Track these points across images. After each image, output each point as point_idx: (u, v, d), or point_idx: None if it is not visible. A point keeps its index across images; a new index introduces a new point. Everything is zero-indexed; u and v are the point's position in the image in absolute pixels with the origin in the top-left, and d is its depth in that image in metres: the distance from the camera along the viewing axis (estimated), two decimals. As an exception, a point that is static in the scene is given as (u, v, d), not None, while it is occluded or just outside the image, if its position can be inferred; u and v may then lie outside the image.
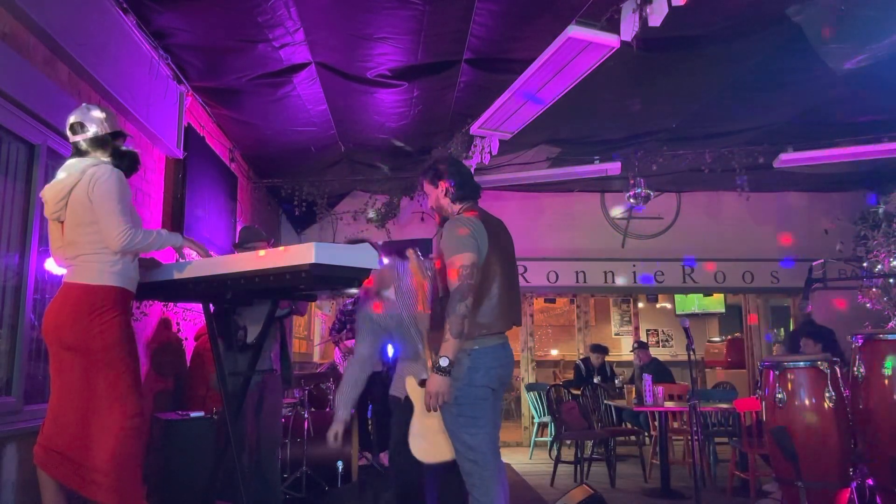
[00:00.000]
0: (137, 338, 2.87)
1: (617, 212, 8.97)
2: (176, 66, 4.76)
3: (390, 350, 5.27)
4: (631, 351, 9.63)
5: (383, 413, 5.78)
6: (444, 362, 2.61)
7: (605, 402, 6.95)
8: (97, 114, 2.84)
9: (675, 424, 6.55)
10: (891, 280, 7.37)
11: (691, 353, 4.19)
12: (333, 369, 6.25)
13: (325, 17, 4.27)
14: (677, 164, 7.17)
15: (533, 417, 8.28)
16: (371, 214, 8.11)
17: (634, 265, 9.06)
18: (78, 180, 2.70)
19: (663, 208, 9.07)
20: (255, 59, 4.71)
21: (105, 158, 2.81)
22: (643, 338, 11.81)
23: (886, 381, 3.60)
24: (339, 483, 4.77)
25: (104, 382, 2.63)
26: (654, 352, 9.48)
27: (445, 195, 2.95)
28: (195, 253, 3.07)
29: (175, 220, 4.95)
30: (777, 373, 3.92)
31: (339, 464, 4.77)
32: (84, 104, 2.91)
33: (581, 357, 8.85)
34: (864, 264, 7.94)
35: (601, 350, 8.47)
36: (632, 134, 6.56)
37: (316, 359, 9.35)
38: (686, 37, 4.56)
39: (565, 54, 4.15)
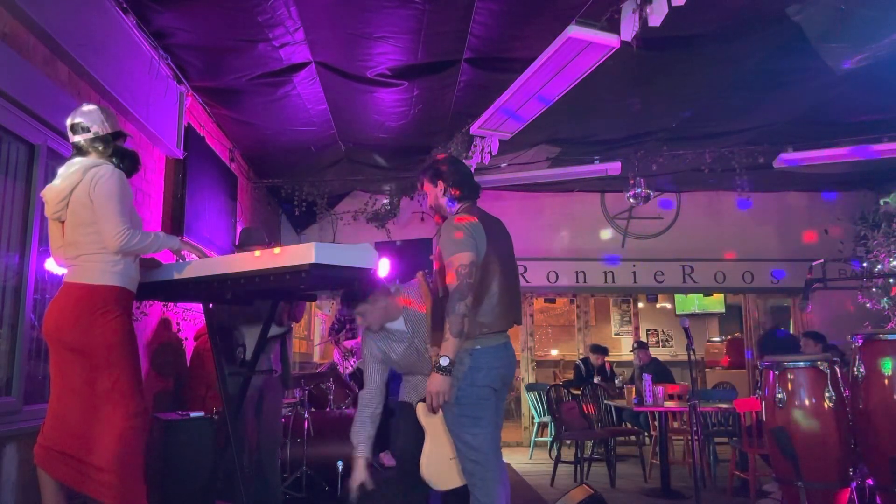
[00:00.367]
0: (137, 338, 2.87)
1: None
2: (176, 65, 4.76)
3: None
4: (631, 351, 9.63)
5: (383, 413, 5.77)
6: (444, 362, 2.61)
7: (605, 402, 6.95)
8: (98, 114, 2.84)
9: (675, 424, 6.55)
10: (891, 280, 7.37)
11: (691, 353, 4.19)
12: (333, 369, 6.25)
13: (325, 17, 4.27)
14: (677, 164, 7.17)
15: (533, 417, 8.28)
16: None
17: (635, 265, 9.07)
18: (79, 180, 2.70)
19: (663, 208, 9.07)
20: (255, 59, 4.71)
21: (106, 159, 2.81)
22: (643, 338, 11.81)
23: (886, 381, 3.60)
24: (340, 483, 4.76)
25: (105, 382, 2.63)
26: (654, 352, 9.49)
27: (444, 195, 2.95)
28: (194, 255, 3.07)
29: (175, 220, 4.95)
30: (777, 373, 3.92)
31: (339, 464, 4.77)
32: (84, 104, 2.91)
33: (581, 357, 8.85)
34: (864, 264, 7.94)
35: (601, 351, 8.47)
36: (632, 134, 6.56)
37: (316, 359, 9.34)
38: (686, 36, 4.56)
39: (565, 54, 4.15)
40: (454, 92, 5.37)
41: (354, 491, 2.98)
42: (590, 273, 9.03)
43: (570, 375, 9.88)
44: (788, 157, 6.68)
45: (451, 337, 2.60)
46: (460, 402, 2.69)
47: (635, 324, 11.42)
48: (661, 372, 7.68)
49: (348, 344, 6.17)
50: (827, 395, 3.73)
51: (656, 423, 5.90)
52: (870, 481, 3.72)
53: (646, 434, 7.24)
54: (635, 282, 9.08)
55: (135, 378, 2.71)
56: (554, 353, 12.44)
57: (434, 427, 2.79)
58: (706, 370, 10.68)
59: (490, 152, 5.96)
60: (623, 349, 11.88)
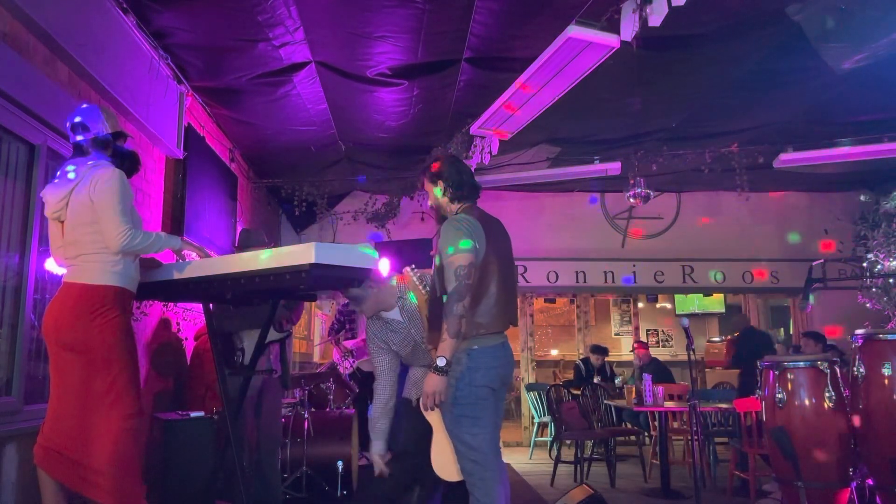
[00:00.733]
0: (137, 338, 2.87)
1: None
2: (176, 65, 4.76)
3: None
4: (631, 351, 9.63)
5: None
6: (441, 362, 2.61)
7: (605, 402, 6.95)
8: (98, 114, 2.84)
9: (675, 424, 6.55)
10: (891, 280, 7.37)
11: (691, 353, 4.19)
12: (333, 369, 6.25)
13: (325, 16, 4.27)
14: (677, 164, 7.17)
15: (533, 417, 8.28)
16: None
17: (635, 265, 9.07)
18: (79, 180, 2.70)
19: (663, 208, 9.07)
20: (255, 59, 4.71)
21: (106, 159, 2.81)
22: (643, 338, 11.81)
23: (886, 381, 3.60)
24: (340, 483, 4.76)
25: (103, 382, 2.63)
26: (654, 352, 9.49)
27: (444, 194, 2.95)
28: (194, 254, 3.07)
29: (175, 220, 4.95)
30: (777, 373, 3.92)
31: (339, 464, 4.77)
32: (85, 104, 2.91)
33: (581, 357, 8.85)
34: (864, 264, 7.95)
35: (601, 351, 8.47)
36: (632, 134, 6.56)
37: (316, 359, 9.34)
38: (686, 36, 4.56)
39: (565, 54, 4.15)
40: (454, 91, 5.37)
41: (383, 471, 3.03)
42: (590, 273, 9.03)
43: (570, 375, 9.88)
44: (788, 157, 6.68)
45: (449, 338, 2.60)
46: (459, 403, 2.69)
47: (635, 324, 11.42)
48: (661, 372, 7.68)
49: (348, 344, 6.17)
50: (827, 395, 3.73)
51: (656, 423, 5.90)
52: (870, 481, 3.72)
53: (646, 434, 7.24)
54: (635, 282, 9.08)
55: (132, 379, 2.70)
56: (554, 353, 12.44)
57: (439, 420, 2.79)
58: (706, 370, 10.69)
59: (490, 152, 5.96)
60: (623, 349, 11.87)
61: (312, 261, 2.52)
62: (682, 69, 5.12)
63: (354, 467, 5.06)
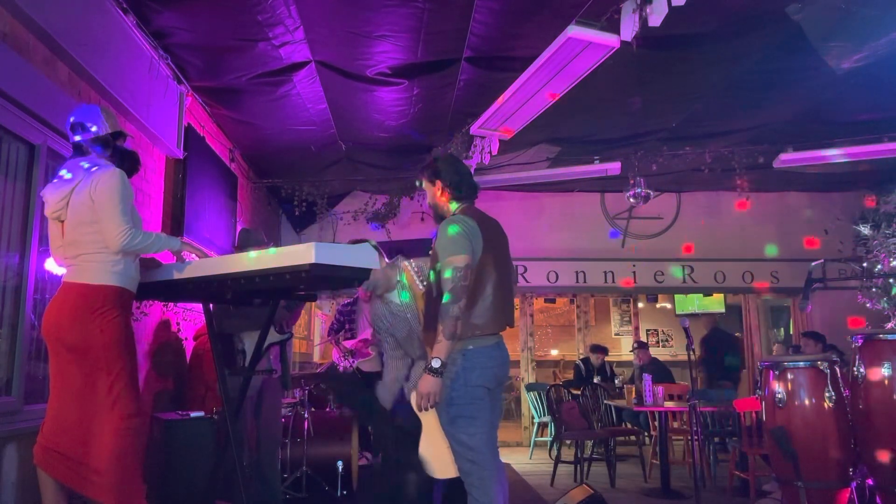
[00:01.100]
0: (137, 338, 2.87)
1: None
2: (176, 65, 4.76)
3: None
4: (631, 351, 9.63)
5: (368, 415, 5.77)
6: (436, 363, 2.61)
7: (605, 402, 6.95)
8: (98, 114, 2.84)
9: (676, 424, 6.55)
10: (891, 280, 7.37)
11: (691, 353, 4.20)
12: (333, 369, 6.24)
13: (325, 15, 4.27)
14: (677, 164, 7.17)
15: (533, 417, 8.28)
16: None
17: (634, 265, 9.07)
18: (80, 180, 2.70)
19: (663, 208, 9.07)
20: (255, 58, 4.71)
21: (106, 159, 2.81)
22: (643, 338, 11.81)
23: (886, 381, 3.59)
24: (339, 483, 4.76)
25: (103, 382, 2.63)
26: (654, 352, 9.49)
27: (442, 194, 2.95)
28: (194, 255, 3.07)
29: (175, 220, 4.94)
30: (777, 373, 3.92)
31: (339, 464, 4.77)
32: (85, 104, 2.91)
33: (581, 357, 8.85)
34: (864, 264, 7.95)
35: (601, 350, 8.47)
36: (632, 133, 6.56)
37: (316, 359, 9.34)
38: (686, 35, 4.56)
39: (565, 54, 4.15)
40: (454, 91, 5.37)
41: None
42: (590, 273, 9.03)
43: (570, 375, 9.88)
44: (788, 157, 6.68)
45: (444, 339, 2.60)
46: (455, 403, 2.68)
47: (635, 324, 11.42)
48: (661, 372, 7.68)
49: (348, 344, 6.17)
50: (827, 395, 3.73)
51: (656, 423, 5.90)
52: (870, 481, 3.72)
53: (646, 434, 7.24)
54: (635, 282, 9.08)
55: (132, 379, 2.70)
56: (554, 353, 12.44)
57: (428, 417, 2.79)
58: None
59: (490, 152, 5.96)
60: (623, 349, 11.88)
61: (312, 261, 2.52)
62: (681, 69, 5.12)
63: (354, 467, 5.05)
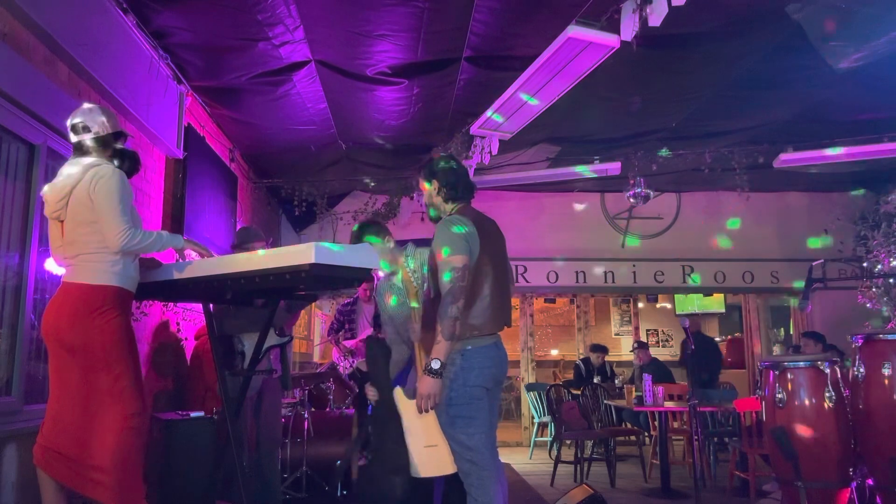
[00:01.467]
0: (137, 338, 2.87)
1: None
2: (176, 65, 4.76)
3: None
4: (631, 351, 9.63)
5: (364, 414, 5.77)
6: (435, 364, 2.61)
7: (605, 402, 6.96)
8: (98, 114, 2.84)
9: (676, 424, 6.55)
10: (891, 280, 7.37)
11: (691, 352, 4.19)
12: (333, 369, 6.25)
13: (325, 15, 4.27)
14: (677, 164, 7.17)
15: (533, 417, 8.28)
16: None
17: (634, 265, 9.07)
18: (79, 180, 2.70)
19: (663, 208, 9.07)
20: (255, 58, 4.71)
21: (106, 159, 2.80)
22: (643, 338, 11.81)
23: (886, 381, 3.59)
24: (339, 483, 4.76)
25: (104, 382, 2.63)
26: (654, 352, 9.49)
27: (438, 193, 2.94)
28: (195, 254, 3.07)
29: (175, 220, 4.95)
30: (777, 373, 3.92)
31: (339, 464, 4.76)
32: (85, 104, 2.91)
33: (581, 357, 8.85)
34: (864, 264, 7.95)
35: (601, 350, 8.47)
36: (632, 133, 6.56)
37: (316, 359, 9.34)
38: (686, 35, 4.56)
39: (565, 54, 4.15)
40: (454, 90, 5.37)
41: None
42: (590, 273, 9.03)
43: (570, 375, 9.89)
44: (788, 157, 6.67)
45: (443, 340, 2.60)
46: (453, 403, 2.68)
47: (635, 324, 11.42)
48: (661, 372, 7.68)
49: (348, 344, 6.17)
50: (827, 395, 3.73)
51: (656, 423, 5.90)
52: (870, 481, 3.72)
53: (646, 434, 7.24)
54: (635, 282, 9.08)
55: (133, 378, 2.70)
56: (554, 353, 12.45)
57: (408, 414, 2.78)
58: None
59: (490, 152, 5.96)
60: (623, 349, 11.88)
61: (312, 261, 2.52)
62: (681, 69, 5.12)
63: (354, 468, 5.05)
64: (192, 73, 4.94)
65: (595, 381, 7.88)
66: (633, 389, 6.26)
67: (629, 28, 3.87)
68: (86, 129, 2.80)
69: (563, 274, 9.01)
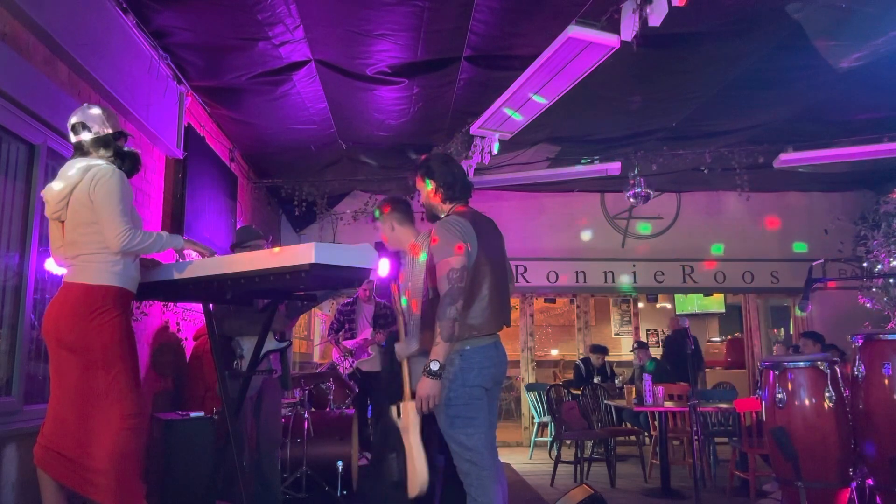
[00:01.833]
0: (137, 338, 2.87)
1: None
2: (176, 65, 4.76)
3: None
4: (631, 351, 9.63)
5: (383, 413, 5.77)
6: (434, 366, 2.60)
7: (605, 402, 6.95)
8: (98, 114, 2.83)
9: (679, 423, 6.55)
10: (891, 280, 7.37)
11: (688, 352, 4.20)
12: (333, 369, 6.25)
13: (325, 14, 4.27)
14: (677, 164, 7.17)
15: (533, 417, 8.28)
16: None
17: (634, 265, 9.07)
18: (80, 180, 2.70)
19: (663, 208, 9.07)
20: (255, 58, 4.71)
21: (107, 159, 2.80)
22: (643, 338, 11.81)
23: (886, 381, 3.59)
24: (339, 483, 4.76)
25: (103, 382, 2.63)
26: (654, 352, 9.49)
27: (435, 193, 2.94)
28: (194, 254, 3.07)
29: (175, 220, 4.94)
30: (777, 373, 3.92)
31: (339, 464, 4.77)
32: (85, 104, 2.91)
33: (581, 357, 8.85)
34: (864, 264, 7.94)
35: (601, 350, 8.47)
36: (632, 133, 6.56)
37: (316, 359, 9.35)
38: (686, 34, 4.55)
39: (565, 54, 4.15)
40: (454, 90, 5.37)
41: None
42: (590, 273, 9.03)
43: (570, 375, 9.89)
44: (788, 157, 6.67)
45: (442, 341, 2.59)
46: (452, 404, 2.68)
47: (635, 324, 11.42)
48: (661, 372, 7.68)
49: (348, 344, 6.17)
50: (827, 395, 3.73)
51: (656, 423, 5.90)
52: (870, 481, 3.72)
53: (646, 434, 7.24)
54: (635, 282, 9.08)
55: (132, 378, 2.70)
56: (554, 353, 12.44)
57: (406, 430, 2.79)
58: (706, 370, 10.69)
59: (490, 152, 5.95)
60: (623, 349, 11.88)
61: (312, 261, 2.52)
62: (681, 69, 5.12)
63: (354, 467, 5.05)
64: (192, 72, 4.94)
65: (595, 381, 7.88)
66: (633, 389, 6.25)
67: (629, 28, 3.87)
68: (86, 129, 2.80)
69: (563, 274, 9.01)
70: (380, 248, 3.51)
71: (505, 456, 3.04)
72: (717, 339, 11.90)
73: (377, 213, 3.22)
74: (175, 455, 3.91)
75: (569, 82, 4.57)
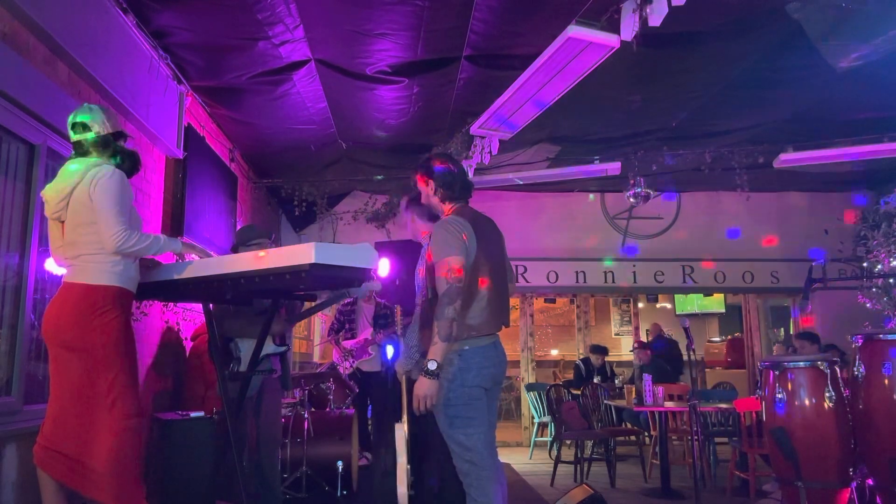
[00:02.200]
0: (137, 338, 2.87)
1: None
2: (176, 65, 4.76)
3: (390, 351, 5.22)
4: (631, 351, 9.63)
5: (383, 413, 5.77)
6: (431, 366, 2.60)
7: (605, 402, 6.95)
8: (98, 114, 2.83)
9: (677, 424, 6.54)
10: (891, 280, 7.37)
11: (691, 353, 4.19)
12: (333, 369, 6.24)
13: (325, 14, 4.27)
14: (677, 164, 7.17)
15: (533, 417, 8.28)
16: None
17: (634, 265, 9.06)
18: (80, 180, 2.70)
19: (663, 208, 9.07)
20: (255, 57, 4.71)
21: (106, 158, 2.80)
22: (643, 338, 11.80)
23: (886, 381, 3.59)
24: (340, 483, 4.76)
25: (103, 382, 2.63)
26: (654, 352, 9.47)
27: (435, 193, 2.94)
28: (194, 256, 3.07)
29: (175, 220, 4.94)
30: (777, 373, 3.92)
31: (339, 464, 4.76)
32: (85, 104, 2.91)
33: (581, 357, 8.85)
34: (864, 264, 7.94)
35: (601, 351, 8.47)
36: (631, 133, 6.56)
37: (316, 359, 9.34)
38: (686, 34, 4.56)
39: (565, 54, 4.15)
40: (454, 89, 5.36)
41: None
42: (590, 273, 9.03)
43: (570, 375, 9.88)
44: (788, 157, 6.67)
45: (440, 341, 2.59)
46: (451, 404, 2.68)
47: (635, 324, 11.41)
48: (661, 372, 7.67)
49: (348, 344, 6.17)
50: (827, 395, 3.73)
51: (656, 423, 5.90)
52: (870, 481, 3.72)
53: (646, 434, 7.24)
54: (635, 282, 9.08)
55: (132, 379, 2.70)
56: (554, 353, 12.44)
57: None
58: (706, 370, 10.69)
59: (490, 152, 5.95)
60: (623, 349, 11.87)
61: (312, 261, 2.52)
62: (681, 68, 5.12)
63: (354, 467, 5.05)
64: (192, 72, 4.94)
65: (595, 381, 7.87)
66: (633, 389, 6.26)
67: (629, 28, 3.87)
68: (86, 128, 2.80)
69: (563, 274, 9.01)
70: (380, 247, 3.52)
71: (505, 456, 3.04)
72: (717, 339, 11.88)
73: (404, 203, 3.32)
74: (175, 455, 3.91)
75: (569, 82, 4.58)
